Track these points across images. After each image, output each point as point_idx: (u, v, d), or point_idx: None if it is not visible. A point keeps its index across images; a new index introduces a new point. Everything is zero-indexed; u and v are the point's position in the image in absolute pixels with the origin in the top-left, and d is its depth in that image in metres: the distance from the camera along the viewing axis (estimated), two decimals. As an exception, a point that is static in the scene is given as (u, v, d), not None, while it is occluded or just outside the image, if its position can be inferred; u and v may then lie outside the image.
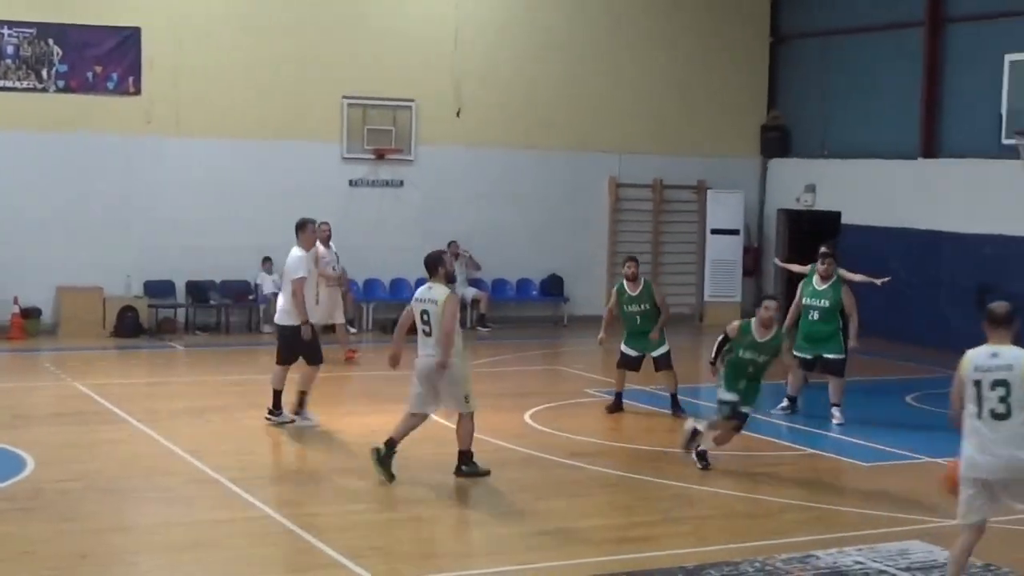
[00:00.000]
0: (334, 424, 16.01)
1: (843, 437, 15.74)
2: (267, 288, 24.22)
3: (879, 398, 18.86)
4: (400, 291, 25.20)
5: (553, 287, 26.67)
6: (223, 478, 12.87)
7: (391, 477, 12.80)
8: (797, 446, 15.25)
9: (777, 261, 23.63)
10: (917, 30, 25.29)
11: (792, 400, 17.13)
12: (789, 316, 17.04)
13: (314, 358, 15.64)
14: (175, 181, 23.84)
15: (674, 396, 16.85)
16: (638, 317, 16.73)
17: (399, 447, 13.02)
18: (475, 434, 13.20)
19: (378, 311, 25.02)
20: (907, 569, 10.37)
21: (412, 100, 25.37)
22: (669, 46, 27.63)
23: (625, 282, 16.85)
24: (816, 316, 16.71)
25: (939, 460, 14.31)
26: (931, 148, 25.11)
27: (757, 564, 10.39)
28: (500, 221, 25.95)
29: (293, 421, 15.65)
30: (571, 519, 11.82)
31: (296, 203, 24.26)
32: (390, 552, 10.69)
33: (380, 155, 25.23)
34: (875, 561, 10.56)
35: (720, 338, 14.04)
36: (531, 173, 26.56)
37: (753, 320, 13.88)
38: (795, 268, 19.68)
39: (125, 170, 23.63)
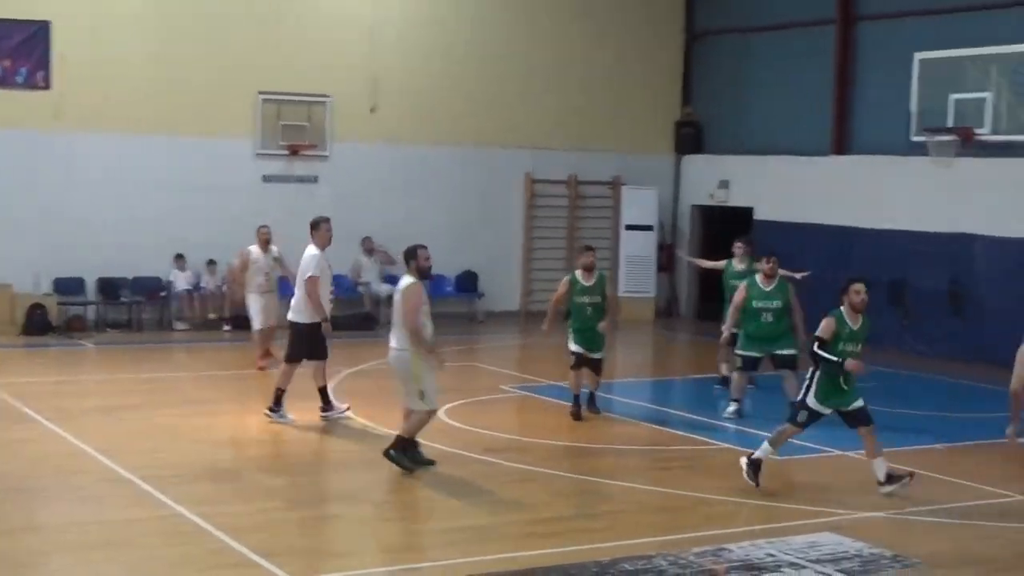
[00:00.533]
0: (248, 422, 15.91)
1: (755, 432, 15.85)
2: (180, 285, 24.05)
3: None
4: (285, 287, 25.03)
5: (468, 283, 26.66)
6: (135, 477, 12.74)
7: (430, 462, 13.22)
8: (711, 441, 15.35)
9: (683, 255, 23.79)
10: (829, 28, 25.58)
11: (739, 402, 16.81)
12: (730, 319, 16.82)
13: (319, 354, 15.74)
14: (86, 177, 23.56)
15: (593, 395, 16.70)
16: (589, 308, 16.33)
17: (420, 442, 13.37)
18: (389, 431, 13.14)
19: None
20: (817, 561, 10.48)
21: (327, 96, 25.26)
22: (584, 43, 27.72)
23: (580, 272, 16.48)
24: (770, 318, 16.45)
25: (849, 453, 14.51)
26: (842, 145, 25.41)
27: (670, 558, 10.46)
28: (415, 217, 25.88)
29: (294, 420, 15.76)
30: (487, 514, 11.83)
31: (210, 199, 24.23)
32: (305, 550, 10.64)
33: (294, 151, 25.09)
34: (786, 553, 10.67)
35: (816, 346, 12.77)
36: (446, 169, 26.54)
37: (842, 309, 12.89)
38: (705, 264, 19.83)
39: (35, 166, 23.31)
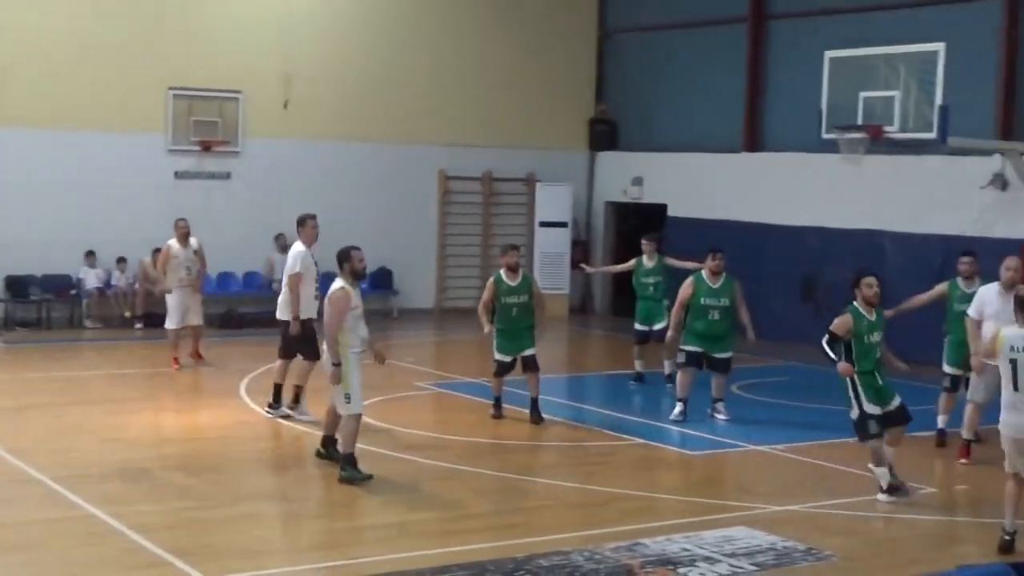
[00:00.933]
0: (161, 420, 15.76)
1: (671, 427, 15.96)
2: (90, 283, 23.74)
3: (705, 388, 19.15)
4: (227, 285, 24.92)
5: (383, 280, 26.57)
6: (46, 477, 12.56)
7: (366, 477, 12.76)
8: (627, 436, 15.40)
9: (592, 269, 23.80)
10: (741, 26, 25.79)
11: (684, 403, 16.35)
12: (674, 316, 16.57)
13: (309, 353, 15.42)
14: (-7, 173, 23.24)
15: (535, 401, 16.07)
16: (515, 309, 15.96)
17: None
18: (307, 429, 13.06)
19: (206, 306, 24.58)
20: (732, 555, 10.56)
21: (239, 92, 25.04)
22: (498, 40, 27.72)
23: (504, 272, 16.13)
24: (717, 316, 16.25)
25: (763, 448, 14.64)
26: (754, 142, 25.63)
27: (587, 553, 10.49)
28: (329, 214, 25.51)
29: (290, 416, 15.65)
30: (404, 512, 11.80)
31: (120, 196, 23.96)
32: (220, 549, 10.55)
33: (206, 147, 24.86)
34: (701, 548, 10.73)
35: (825, 340, 12.94)
36: (360, 166, 26.42)
37: (856, 303, 13.00)
38: (615, 268, 19.75)
39: (-59, 161, 22.97)
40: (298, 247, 15.74)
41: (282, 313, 15.75)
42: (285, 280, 15.79)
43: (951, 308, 15.19)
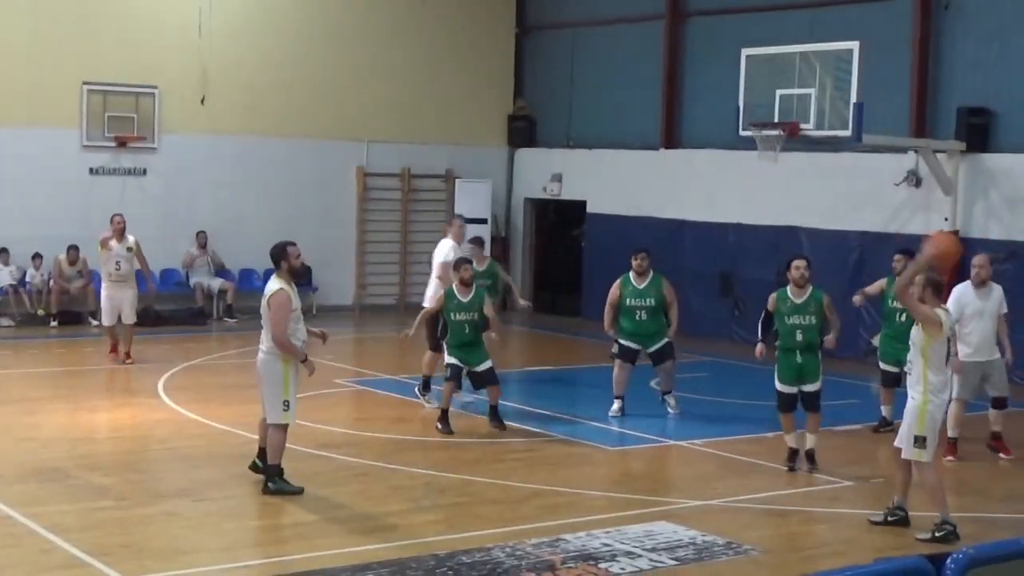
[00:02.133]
0: (77, 420, 15.58)
1: (590, 422, 16.01)
2: (4, 280, 23.40)
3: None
4: (143, 282, 24.60)
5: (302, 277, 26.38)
6: (-41, 478, 12.40)
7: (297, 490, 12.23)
8: (547, 432, 15.43)
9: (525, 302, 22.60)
10: (658, 24, 25.90)
11: (622, 399, 16.43)
12: (606, 318, 16.48)
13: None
14: (-97, 169, 22.84)
15: (494, 408, 15.64)
16: (467, 326, 15.44)
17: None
18: (223, 426, 12.94)
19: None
20: (653, 549, 10.61)
21: (155, 87, 24.78)
22: (416, 35, 27.65)
23: (456, 286, 15.52)
24: (644, 315, 16.20)
25: (682, 443, 14.73)
26: (673, 139, 25.76)
27: (508, 549, 10.50)
28: (247, 210, 25.57)
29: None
30: (323, 510, 11.74)
31: (34, 192, 23.63)
32: (139, 549, 10.44)
33: (122, 143, 24.57)
34: (622, 543, 10.78)
35: (762, 316, 14.01)
36: (278, 162, 26.25)
37: (788, 287, 13.66)
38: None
39: None
40: (448, 242, 17.06)
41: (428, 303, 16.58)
42: (437, 271, 16.69)
43: (887, 304, 15.60)
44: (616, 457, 14.41)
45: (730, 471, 13.79)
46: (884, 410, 15.90)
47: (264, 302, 12.11)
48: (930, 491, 11.28)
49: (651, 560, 10.34)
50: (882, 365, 15.82)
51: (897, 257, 15.64)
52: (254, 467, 12.65)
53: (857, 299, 16.13)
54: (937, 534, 11.06)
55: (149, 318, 23.63)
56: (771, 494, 12.73)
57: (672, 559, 10.40)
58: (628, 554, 10.48)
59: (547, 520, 11.52)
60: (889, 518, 11.52)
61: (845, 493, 12.94)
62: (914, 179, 21.54)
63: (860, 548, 10.89)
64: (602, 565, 10.18)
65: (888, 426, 15.79)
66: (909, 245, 16.73)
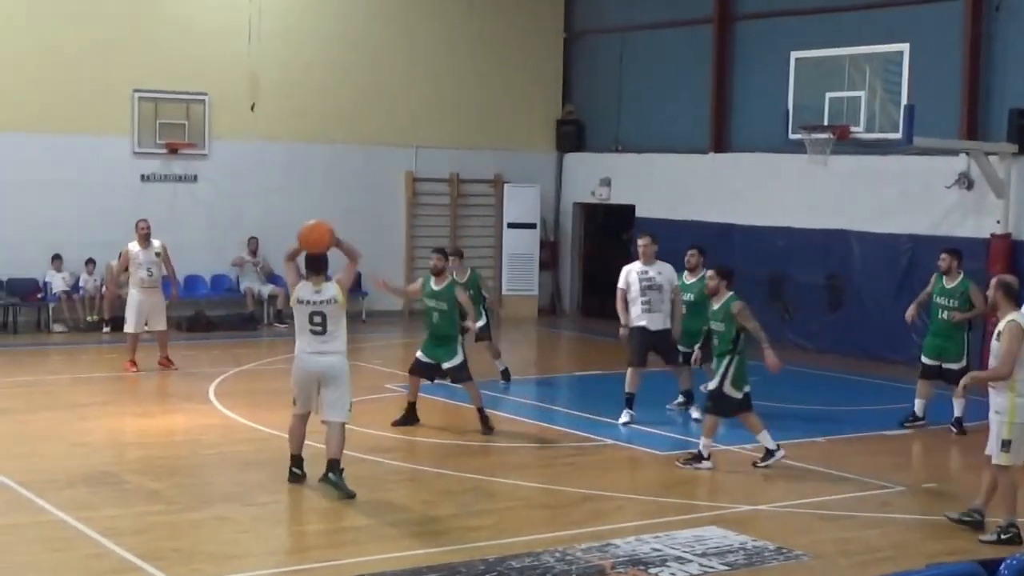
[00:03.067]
0: (128, 425, 15.68)
1: (640, 427, 15.96)
2: (57, 286, 23.59)
3: (675, 388, 19.18)
4: (194, 288, 24.79)
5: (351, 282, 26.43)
6: (12, 482, 12.47)
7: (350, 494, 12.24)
8: (596, 437, 15.40)
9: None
10: (707, 27, 25.83)
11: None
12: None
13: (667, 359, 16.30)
14: (-42, 176, 23.08)
15: (480, 411, 15.53)
16: (436, 314, 15.57)
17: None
18: (274, 431, 13.00)
19: (171, 309, 24.50)
20: (703, 555, 10.57)
21: (205, 94, 24.95)
22: (465, 40, 27.71)
23: (432, 277, 15.85)
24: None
25: (733, 448, 14.66)
26: (722, 143, 25.68)
27: (557, 554, 10.48)
28: (296, 216, 25.40)
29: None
30: (373, 514, 11.76)
31: (86, 199, 23.84)
32: (189, 553, 10.49)
33: (173, 149, 24.75)
34: (672, 548, 10.74)
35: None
36: (327, 168, 26.36)
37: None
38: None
39: (-96, 165, 22.78)
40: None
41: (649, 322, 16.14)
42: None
43: (932, 300, 16.18)
44: (666, 461, 14.35)
45: (780, 476, 13.71)
46: (918, 404, 16.16)
47: (338, 305, 12.55)
48: (1002, 494, 11.19)
49: (701, 565, 10.30)
50: (924, 359, 16.25)
51: (943, 256, 15.94)
52: (294, 476, 12.70)
53: (910, 313, 16.27)
54: (1003, 536, 11.00)
55: (200, 323, 23.84)
56: (821, 499, 12.66)
57: (723, 564, 10.35)
58: (678, 559, 10.45)
59: (597, 525, 11.51)
60: (964, 518, 11.49)
61: (896, 498, 12.84)
62: (965, 182, 21.38)
63: (912, 554, 10.80)
64: (652, 570, 10.15)
65: (919, 421, 15.78)
66: (959, 248, 16.65)
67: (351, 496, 12.17)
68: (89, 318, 23.72)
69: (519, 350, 24.08)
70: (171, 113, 24.73)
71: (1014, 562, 6.12)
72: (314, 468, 12.63)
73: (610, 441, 15.23)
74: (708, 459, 13.78)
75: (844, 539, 11.37)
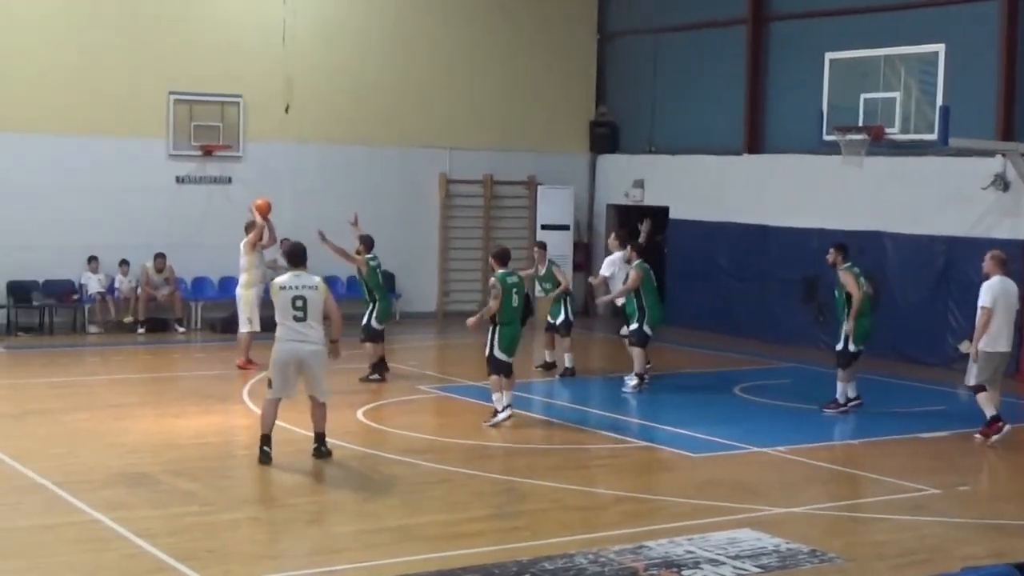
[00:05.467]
0: (164, 426, 15.75)
1: (673, 429, 15.95)
2: (92, 288, 23.73)
3: (707, 390, 19.17)
4: (229, 289, 24.80)
5: (385, 284, 26.46)
6: (48, 483, 12.56)
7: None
8: (629, 439, 15.40)
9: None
10: (741, 28, 25.78)
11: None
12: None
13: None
14: (-5, 178, 23.24)
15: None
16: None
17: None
18: (307, 432, 13.09)
19: (207, 310, 24.68)
20: (736, 557, 10.55)
21: (239, 96, 25.05)
22: (499, 43, 27.74)
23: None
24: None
25: (766, 450, 14.63)
26: (755, 144, 25.61)
27: (591, 556, 10.48)
28: (330, 217, 25.62)
29: None
30: (406, 516, 11.79)
31: (122, 200, 23.96)
32: (224, 553, 10.53)
33: (207, 151, 24.86)
34: (705, 550, 10.72)
35: None
36: (361, 169, 26.42)
37: None
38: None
39: (-58, 167, 22.96)
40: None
41: None
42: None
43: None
44: (699, 464, 14.33)
45: (814, 478, 13.68)
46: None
47: (318, 292, 13.57)
48: None
49: (735, 568, 10.28)
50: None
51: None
52: (265, 455, 13.58)
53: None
54: None
55: (234, 324, 23.88)
56: (855, 501, 12.62)
57: (756, 567, 10.33)
58: (711, 561, 10.43)
59: (630, 527, 11.50)
60: None
61: (931, 501, 12.78)
62: (1001, 183, 21.26)
63: (947, 557, 10.75)
64: (685, 572, 10.13)
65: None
66: (992, 247, 16.58)
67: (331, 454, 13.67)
68: (126, 319, 23.84)
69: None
70: (206, 115, 24.84)
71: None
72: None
73: (644, 443, 15.22)
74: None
75: (879, 542, 11.33)
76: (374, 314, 19.16)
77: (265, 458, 13.47)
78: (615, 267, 19.96)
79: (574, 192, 28.24)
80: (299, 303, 13.37)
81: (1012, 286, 15.33)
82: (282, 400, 13.71)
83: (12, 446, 14.13)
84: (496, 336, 15.82)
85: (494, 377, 15.91)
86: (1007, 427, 15.06)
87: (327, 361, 13.69)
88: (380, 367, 19.05)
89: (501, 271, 16.01)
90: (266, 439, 13.54)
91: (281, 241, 25.02)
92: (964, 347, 16.14)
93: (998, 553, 10.67)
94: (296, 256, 13.92)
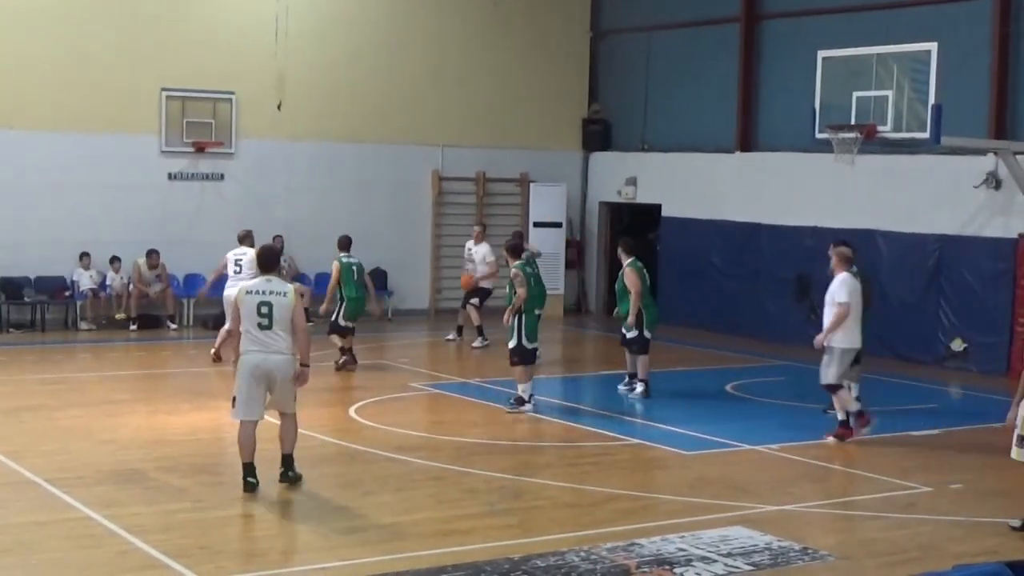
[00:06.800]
0: (156, 422, 15.75)
1: (666, 426, 15.97)
2: (84, 284, 23.69)
3: (700, 388, 19.19)
4: (220, 286, 24.77)
5: (377, 281, 26.41)
6: (40, 479, 12.54)
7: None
8: (622, 436, 15.40)
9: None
10: (734, 26, 25.80)
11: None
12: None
13: None
14: (-13, 175, 23.21)
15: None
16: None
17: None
18: (300, 430, 13.02)
19: (199, 307, 24.65)
20: (728, 555, 10.56)
21: (232, 93, 25.02)
22: (491, 40, 27.73)
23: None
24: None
25: (759, 447, 14.64)
26: (748, 142, 25.64)
27: (582, 553, 10.49)
28: (322, 215, 25.72)
29: None
30: (398, 513, 11.79)
31: (114, 197, 23.95)
32: (216, 551, 10.53)
33: (200, 148, 24.84)
34: (697, 548, 10.73)
35: None
36: (353, 166, 26.42)
37: None
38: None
39: (-66, 163, 22.93)
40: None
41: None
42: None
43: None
44: (692, 461, 14.34)
45: (806, 476, 13.70)
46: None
47: (287, 299, 12.30)
48: None
49: (726, 565, 10.29)
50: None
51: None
52: (249, 486, 12.37)
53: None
54: None
55: (222, 321, 23.88)
56: (847, 499, 12.64)
57: (748, 564, 10.34)
58: (703, 559, 10.44)
59: (622, 524, 11.50)
60: None
61: (922, 499, 12.80)
62: (993, 181, 21.29)
63: (938, 555, 10.77)
64: (677, 570, 10.15)
65: None
66: (987, 248, 16.58)
67: (300, 478, 12.65)
68: (119, 315, 23.81)
69: (545, 349, 24.07)
70: (198, 112, 24.81)
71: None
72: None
73: (636, 441, 15.23)
74: None
75: (870, 540, 11.35)
76: (342, 312, 19.70)
77: (250, 488, 12.25)
78: None
79: (567, 189, 28.24)
80: (264, 309, 12.14)
81: (859, 283, 15.51)
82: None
83: (4, 443, 14.11)
84: (523, 325, 16.48)
85: (520, 368, 16.54)
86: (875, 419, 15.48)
87: (295, 373, 12.43)
88: (350, 352, 19.69)
89: (518, 262, 16.92)
90: (249, 468, 12.37)
91: (274, 238, 25.10)
92: (956, 345, 16.17)
93: (989, 551, 10.69)
94: (267, 260, 12.67)
